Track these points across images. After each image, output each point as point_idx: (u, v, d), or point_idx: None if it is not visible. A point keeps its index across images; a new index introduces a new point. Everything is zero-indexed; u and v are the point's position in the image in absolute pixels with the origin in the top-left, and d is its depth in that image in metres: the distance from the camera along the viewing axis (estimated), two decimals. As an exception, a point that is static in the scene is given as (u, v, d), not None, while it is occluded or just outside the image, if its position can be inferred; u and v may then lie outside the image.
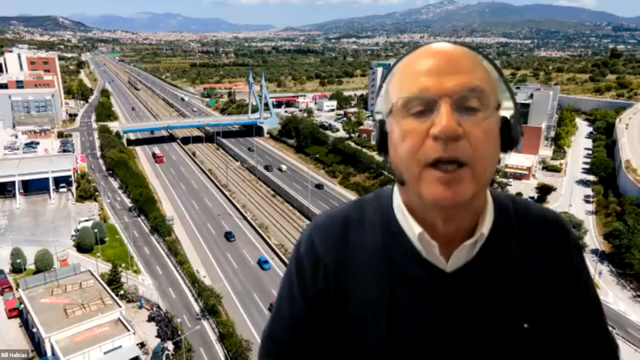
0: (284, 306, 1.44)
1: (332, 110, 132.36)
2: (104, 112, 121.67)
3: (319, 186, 73.46)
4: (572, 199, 62.13)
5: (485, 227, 1.23)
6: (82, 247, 52.70)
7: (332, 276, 1.33)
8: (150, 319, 41.86)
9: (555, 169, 75.87)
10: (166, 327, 40.21)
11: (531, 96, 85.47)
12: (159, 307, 43.57)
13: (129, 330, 37.27)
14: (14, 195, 66.28)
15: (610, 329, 1.44)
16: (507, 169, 69.59)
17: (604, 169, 71.09)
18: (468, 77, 1.08)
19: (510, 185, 65.59)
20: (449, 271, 1.23)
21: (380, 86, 1.23)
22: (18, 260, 48.00)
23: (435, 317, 1.24)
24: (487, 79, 1.12)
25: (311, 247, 1.36)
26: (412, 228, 1.23)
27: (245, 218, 63.21)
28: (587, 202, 63.68)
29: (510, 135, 1.15)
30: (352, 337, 1.32)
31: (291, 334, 1.42)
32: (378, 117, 1.21)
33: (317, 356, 1.41)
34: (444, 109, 1.04)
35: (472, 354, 1.25)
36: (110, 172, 78.44)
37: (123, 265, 48.91)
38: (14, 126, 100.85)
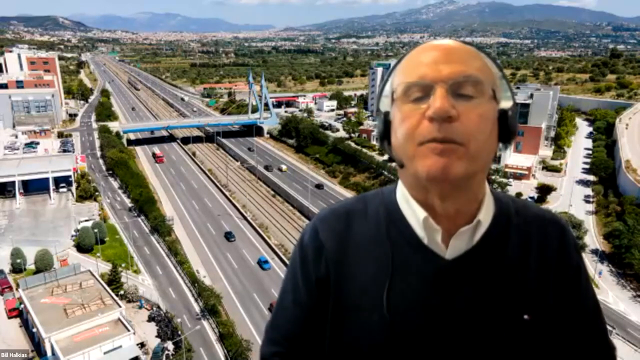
0: (287, 295, 1.46)
1: (332, 110, 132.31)
2: (104, 112, 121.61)
3: (319, 186, 73.45)
4: (572, 199, 62.08)
5: (483, 216, 1.27)
6: (82, 247, 52.69)
7: (333, 265, 1.36)
8: (150, 319, 41.85)
9: (555, 169, 75.84)
10: (166, 327, 40.20)
11: (531, 96, 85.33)
12: (159, 307, 43.56)
13: (129, 330, 37.25)
14: (14, 195, 66.26)
15: (609, 329, 1.46)
16: (507, 169, 69.61)
17: (604, 169, 71.08)
18: (464, 66, 1.15)
19: (510, 185, 65.52)
20: (449, 258, 1.26)
21: (386, 81, 1.28)
22: (18, 260, 47.99)
23: (434, 305, 1.26)
24: (484, 70, 1.18)
25: (315, 236, 1.40)
26: (415, 213, 1.27)
27: (245, 218, 63.20)
28: (587, 202, 63.65)
29: (508, 127, 1.20)
30: (351, 324, 1.33)
31: (293, 322, 1.44)
32: (383, 108, 1.27)
33: (320, 344, 1.42)
34: (439, 93, 1.11)
35: (470, 343, 1.26)
36: (110, 172, 78.44)
37: (123, 265, 48.91)
38: (14, 126, 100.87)
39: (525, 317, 1.27)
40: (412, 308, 1.27)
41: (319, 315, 1.40)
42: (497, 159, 65.94)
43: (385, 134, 1.25)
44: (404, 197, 1.32)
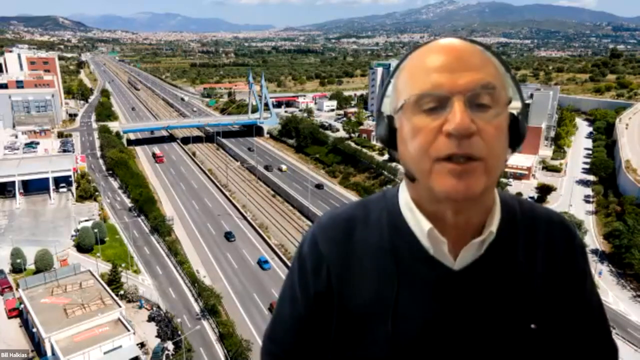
0: (285, 306, 1.42)
1: (332, 110, 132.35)
2: (104, 112, 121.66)
3: (319, 186, 73.43)
4: (572, 199, 62.14)
5: (494, 226, 1.22)
6: (82, 247, 52.68)
7: (334, 276, 1.30)
8: (150, 319, 41.85)
9: (555, 169, 75.85)
10: (166, 327, 40.20)
11: (531, 96, 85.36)
12: (159, 307, 43.57)
13: (129, 330, 37.25)
14: (14, 195, 66.24)
15: (611, 331, 1.45)
16: (507, 169, 69.63)
17: (604, 169, 71.09)
18: (480, 73, 1.08)
19: (510, 185, 65.58)
20: (457, 269, 1.22)
21: (388, 82, 1.21)
22: (18, 260, 47.98)
23: (441, 316, 1.22)
24: (497, 75, 1.13)
25: (314, 246, 1.34)
26: (420, 224, 1.22)
27: (245, 218, 63.20)
28: (587, 202, 63.65)
29: (518, 132, 1.17)
30: (356, 337, 1.29)
31: (292, 334, 1.40)
32: (386, 110, 1.20)
33: (319, 357, 1.38)
34: (458, 106, 1.04)
35: (478, 354, 1.23)
36: (110, 172, 78.44)
37: (123, 265, 48.91)
38: (14, 126, 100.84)
39: (532, 326, 1.25)
40: (418, 320, 1.23)
41: (319, 329, 1.35)
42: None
43: (391, 141, 1.19)
44: (407, 206, 1.26)
